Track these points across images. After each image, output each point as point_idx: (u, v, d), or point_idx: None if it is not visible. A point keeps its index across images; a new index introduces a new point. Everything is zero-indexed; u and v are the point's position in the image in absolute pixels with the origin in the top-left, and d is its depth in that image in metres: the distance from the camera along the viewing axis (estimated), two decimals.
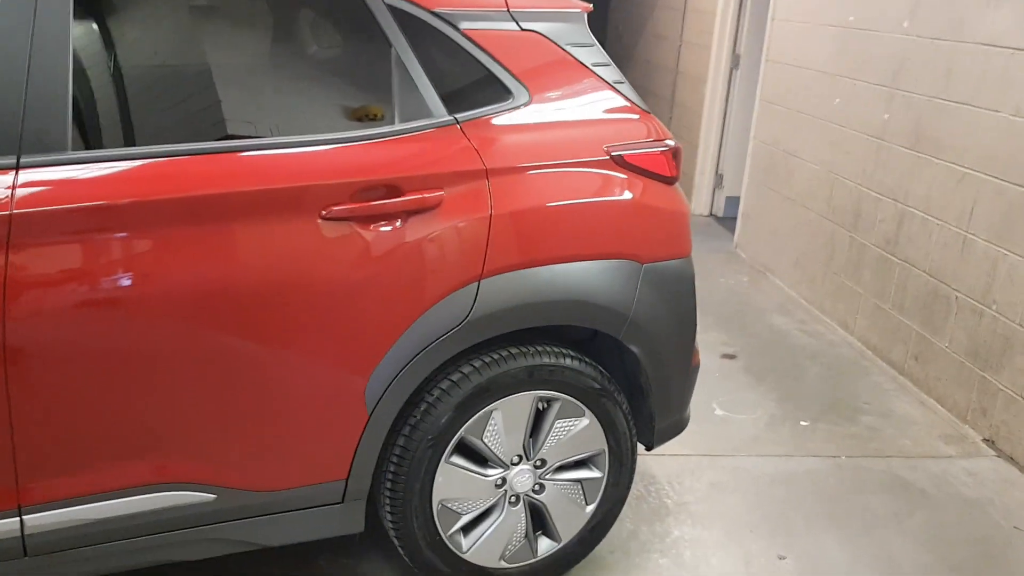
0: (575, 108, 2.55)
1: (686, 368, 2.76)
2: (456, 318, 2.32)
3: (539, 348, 2.49)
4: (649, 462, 3.47)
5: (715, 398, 4.07)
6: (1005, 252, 3.73)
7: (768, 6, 6.03)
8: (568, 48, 2.55)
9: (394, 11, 2.33)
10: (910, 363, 4.38)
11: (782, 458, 3.61)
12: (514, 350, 2.46)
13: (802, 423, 3.91)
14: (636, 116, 2.64)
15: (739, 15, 6.90)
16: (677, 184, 2.72)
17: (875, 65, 4.74)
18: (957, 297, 4.03)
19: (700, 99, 7.30)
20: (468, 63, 2.43)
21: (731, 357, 4.56)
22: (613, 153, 2.53)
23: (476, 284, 2.33)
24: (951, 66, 4.11)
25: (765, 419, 3.92)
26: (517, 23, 2.48)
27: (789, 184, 5.70)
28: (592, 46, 2.60)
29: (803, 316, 5.23)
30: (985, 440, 3.82)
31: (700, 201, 7.42)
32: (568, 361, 2.51)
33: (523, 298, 2.39)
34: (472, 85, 2.45)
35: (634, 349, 2.59)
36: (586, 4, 2.69)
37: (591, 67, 2.58)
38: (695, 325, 2.75)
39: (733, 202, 6.91)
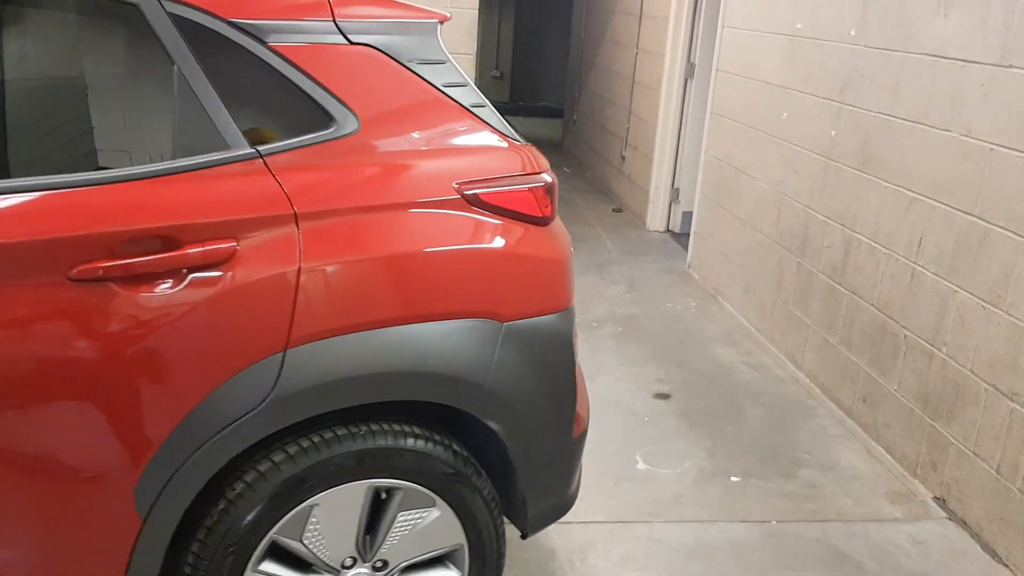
0: (418, 137, 2.13)
1: (564, 443, 2.34)
2: (255, 398, 1.90)
3: (373, 428, 2.06)
4: (551, 532, 3.04)
5: (640, 448, 3.65)
6: (955, 288, 3.32)
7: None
8: (413, 66, 2.13)
9: (179, 22, 1.91)
10: (858, 405, 3.97)
11: (705, 524, 3.18)
12: (341, 431, 2.04)
13: (733, 479, 3.48)
14: (499, 146, 2.22)
15: (693, 22, 6.49)
16: (553, 225, 2.30)
17: (822, 77, 4.33)
18: (906, 336, 3.62)
19: (655, 109, 6.89)
20: (278, 85, 2.00)
21: (664, 397, 4.14)
22: (465, 191, 2.11)
23: (280, 355, 1.91)
24: (900, 79, 3.70)
25: (693, 474, 3.50)
26: (345, 36, 2.06)
27: (739, 203, 5.29)
28: (444, 63, 2.18)
29: (751, 347, 4.81)
30: (936, 499, 3.41)
31: (656, 216, 7.01)
32: (410, 442, 2.09)
33: (343, 371, 1.97)
34: (283, 112, 2.03)
35: (494, 426, 2.17)
36: (442, 13, 2.27)
37: (442, 88, 2.16)
38: (574, 392, 2.33)
39: (690, 217, 6.50)
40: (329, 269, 1.95)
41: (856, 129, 4.03)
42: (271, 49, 1.98)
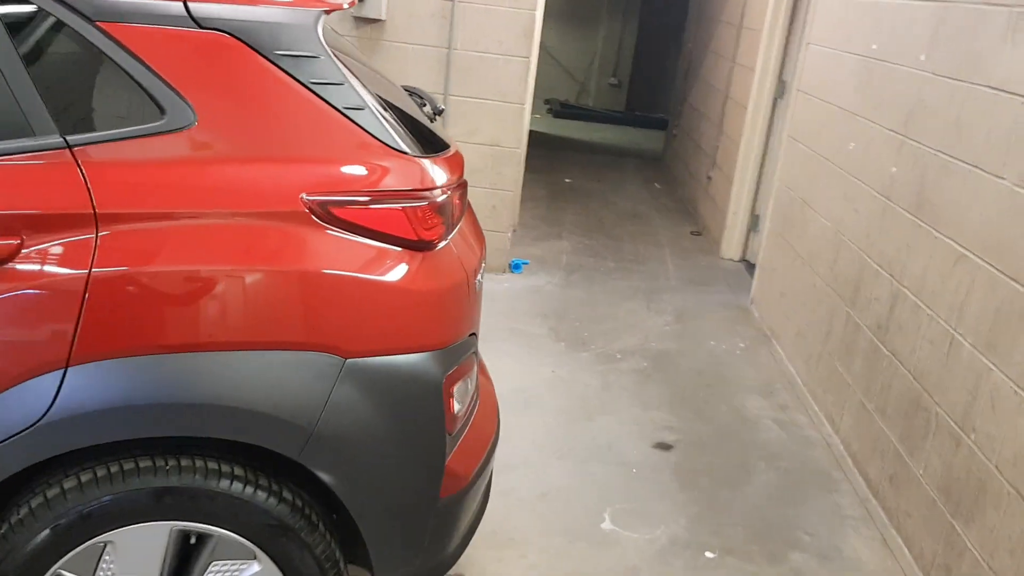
0: (267, 139, 1.86)
1: (425, 504, 2.02)
2: (26, 417, 1.68)
3: (182, 463, 1.81)
4: None
5: (613, 504, 3.27)
6: (990, 366, 2.78)
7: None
8: (276, 58, 1.86)
9: None
10: (884, 485, 3.44)
11: None
12: (144, 462, 1.80)
13: (707, 554, 3.05)
14: (370, 156, 1.92)
15: (787, 36, 5.96)
16: (439, 251, 1.99)
17: (890, 106, 3.79)
18: (937, 413, 3.09)
19: (742, 128, 6.39)
20: (104, 69, 1.77)
21: (665, 448, 3.72)
22: (315, 205, 1.83)
23: (61, 372, 1.68)
24: (961, 114, 3.16)
25: (662, 542, 3.09)
26: (195, 19, 1.81)
27: (802, 238, 4.77)
28: (318, 58, 1.90)
29: (788, 400, 4.31)
30: None
31: (732, 244, 6.50)
32: (224, 484, 1.83)
33: (133, 396, 1.72)
34: (108, 99, 1.81)
35: (325, 477, 1.88)
36: (335, 2, 1.99)
37: (309, 85, 1.88)
38: (441, 445, 2.01)
39: None
40: (126, 280, 1.71)
41: (915, 167, 3.49)
42: (99, 29, 1.75)
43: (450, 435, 2.05)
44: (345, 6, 2.06)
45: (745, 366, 4.67)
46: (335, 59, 1.93)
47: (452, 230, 2.10)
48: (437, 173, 2.03)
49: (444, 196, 2.02)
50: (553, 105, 12.12)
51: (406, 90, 2.77)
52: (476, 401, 2.28)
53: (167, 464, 1.81)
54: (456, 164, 2.21)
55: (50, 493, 1.77)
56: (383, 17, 5.01)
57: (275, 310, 1.81)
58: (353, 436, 1.88)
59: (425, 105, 2.67)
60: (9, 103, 1.71)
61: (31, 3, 1.73)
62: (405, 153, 1.97)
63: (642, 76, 12.71)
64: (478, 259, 2.25)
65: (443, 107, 2.72)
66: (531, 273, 5.62)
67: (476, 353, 2.24)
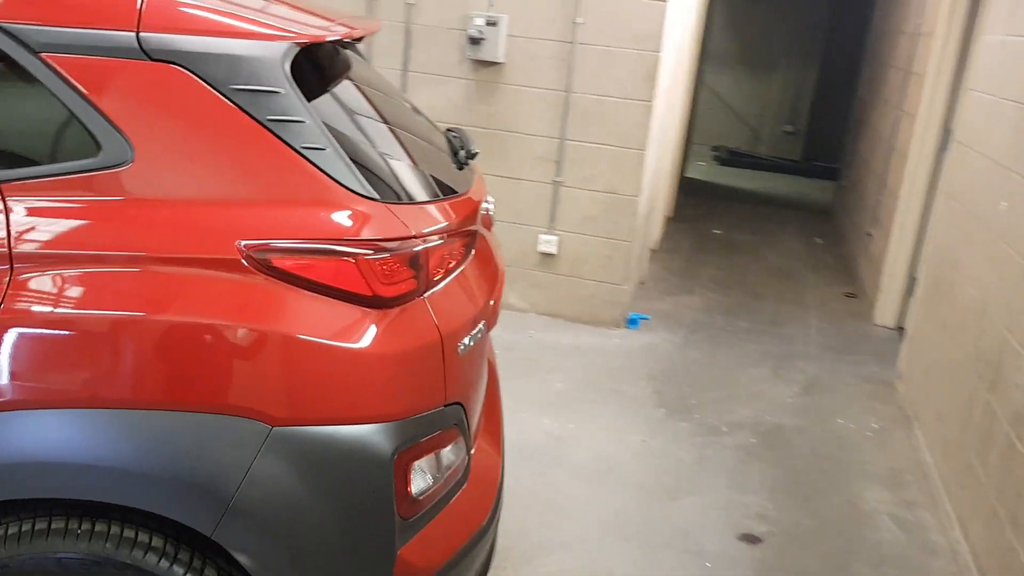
0: (208, 179, 1.71)
1: None
2: None
3: (96, 528, 1.67)
4: None
5: None
6: None
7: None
8: (231, 92, 1.72)
9: None
10: None
11: None
12: (42, 523, 1.66)
13: None
14: (326, 200, 1.73)
15: (955, 80, 5.34)
16: (400, 309, 1.76)
17: None
18: None
19: (902, 181, 5.78)
20: (46, 104, 1.69)
21: (753, 541, 3.28)
22: (252, 253, 1.65)
23: None
24: None
25: None
26: (145, 52, 1.69)
27: (950, 307, 4.18)
28: (279, 92, 1.74)
29: (916, 496, 3.73)
30: None
31: (886, 308, 5.86)
32: (136, 554, 1.66)
33: (25, 452, 1.60)
34: (44, 133, 1.71)
35: (242, 559, 1.68)
36: (316, 32, 1.83)
37: (265, 122, 1.72)
38: (389, 530, 1.77)
39: None
40: (35, 325, 1.59)
41: None
42: (41, 60, 1.67)
43: (404, 519, 1.80)
44: (331, 38, 1.89)
45: (874, 450, 4.11)
46: (298, 95, 1.75)
47: (433, 285, 1.87)
48: (413, 221, 1.81)
49: (420, 247, 1.79)
50: (721, 152, 11.64)
51: (448, 131, 2.58)
52: (459, 481, 2.01)
53: (78, 528, 1.67)
54: (458, 210, 1.99)
55: None
56: (501, 60, 4.88)
57: (192, 367, 1.64)
58: (278, 514, 1.67)
59: (461, 149, 2.46)
60: None
61: None
62: (370, 199, 1.77)
63: (820, 123, 11.99)
64: (473, 316, 2.00)
65: (477, 150, 2.50)
66: (649, 329, 5.26)
67: (461, 426, 1.98)
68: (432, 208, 1.94)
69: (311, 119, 1.75)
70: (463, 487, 2.04)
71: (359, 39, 2.21)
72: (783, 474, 3.78)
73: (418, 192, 1.97)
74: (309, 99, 1.89)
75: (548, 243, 5.11)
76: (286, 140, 1.72)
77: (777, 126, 12.22)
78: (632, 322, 5.25)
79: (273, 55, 1.74)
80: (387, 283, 1.74)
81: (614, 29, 4.76)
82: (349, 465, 1.71)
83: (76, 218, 1.66)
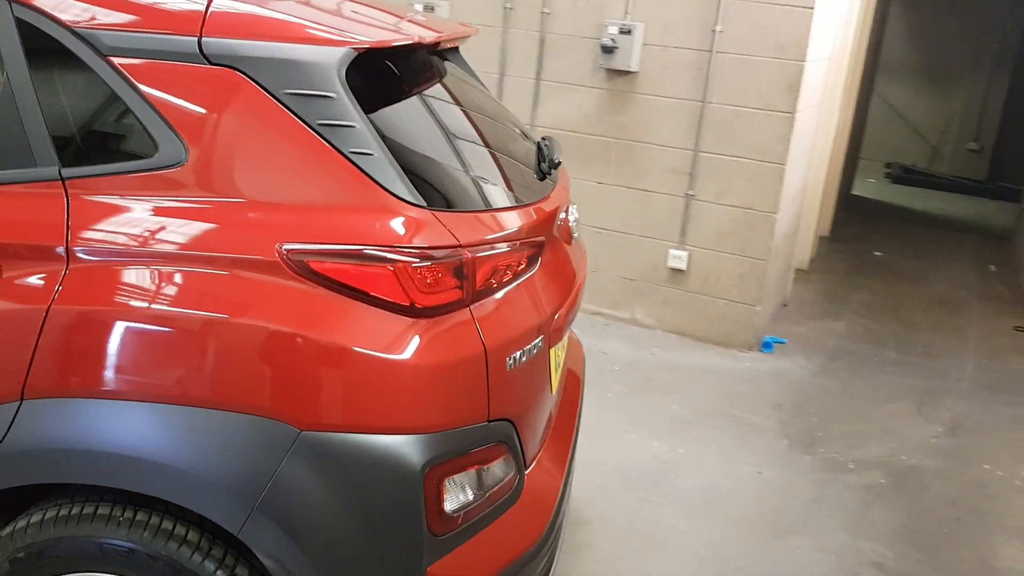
0: (255, 181, 1.72)
1: None
2: None
3: (137, 516, 1.71)
4: None
5: None
6: None
7: None
8: (285, 97, 1.73)
9: (22, 26, 1.76)
10: None
11: None
12: (90, 508, 1.72)
13: None
14: (375, 206, 1.71)
15: None
16: (440, 319, 1.72)
17: None
18: None
19: None
20: (108, 102, 1.75)
21: None
22: (291, 256, 1.65)
23: (16, 405, 1.66)
24: None
25: None
26: (206, 56, 1.73)
27: None
28: (331, 97, 1.73)
29: None
30: None
31: None
32: (171, 546, 1.69)
33: (70, 439, 1.65)
34: (111, 133, 1.78)
35: (267, 562, 1.68)
36: (381, 37, 1.82)
37: (316, 126, 1.72)
38: (416, 544, 1.72)
39: None
40: (84, 317, 1.65)
41: None
42: (108, 63, 1.73)
43: (435, 536, 1.74)
44: (398, 43, 1.87)
45: (1020, 502, 3.71)
46: (351, 100, 1.73)
47: (483, 296, 1.81)
48: (463, 230, 1.76)
49: (468, 257, 1.74)
50: (894, 169, 10.95)
51: (542, 139, 2.53)
52: (507, 501, 1.94)
53: (122, 515, 1.71)
54: (524, 221, 1.93)
55: (19, 524, 1.76)
56: (635, 69, 4.76)
57: (226, 366, 1.65)
58: (303, 519, 1.65)
59: (545, 159, 2.39)
60: (18, 133, 1.74)
61: (48, 34, 1.74)
62: (417, 206, 1.73)
63: (1010, 141, 11.07)
64: (531, 329, 1.93)
65: (559, 160, 2.43)
66: (784, 354, 4.98)
67: (510, 443, 1.91)
68: (490, 217, 1.88)
69: (362, 124, 1.73)
70: (512, 507, 1.96)
71: (437, 44, 2.18)
72: (910, 520, 3.46)
73: (476, 201, 1.91)
74: (376, 104, 1.89)
75: (678, 258, 4.93)
76: (335, 144, 1.71)
77: (960, 142, 11.38)
78: (766, 345, 4.99)
79: (328, 60, 1.73)
80: (427, 292, 1.70)
81: (755, 37, 4.55)
82: (377, 475, 1.67)
83: (126, 216, 1.71)
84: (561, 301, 2.15)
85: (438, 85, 2.25)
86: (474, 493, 1.83)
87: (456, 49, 2.70)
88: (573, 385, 2.64)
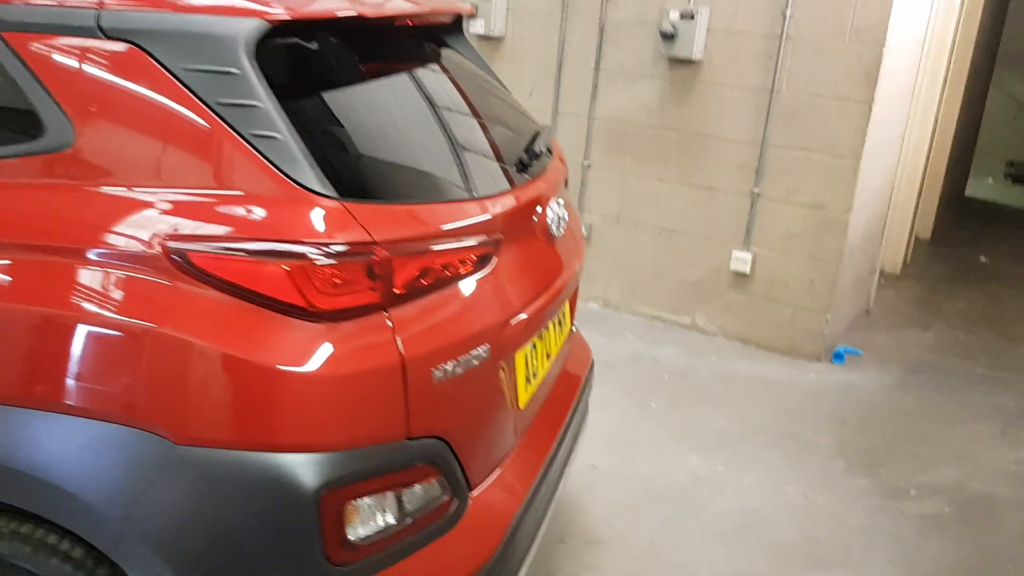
0: (145, 166, 1.58)
1: None
2: None
3: (22, 530, 1.60)
4: None
5: None
6: None
7: None
8: (183, 73, 1.58)
9: None
10: None
11: None
12: None
13: None
14: (275, 195, 1.55)
15: None
16: (356, 322, 1.55)
17: None
18: None
19: None
20: (4, 83, 1.64)
21: None
22: (174, 250, 1.51)
23: None
24: None
25: None
26: (103, 30, 1.60)
27: None
28: (233, 74, 1.57)
29: None
30: None
31: None
32: (53, 563, 1.57)
33: None
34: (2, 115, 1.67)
35: None
36: (276, 11, 1.65)
37: (214, 106, 1.57)
38: (312, 574, 1.54)
39: None
40: None
41: None
42: (2, 39, 1.63)
43: (336, 566, 1.56)
44: (305, 16, 1.69)
45: None
46: (258, 76, 1.57)
47: (406, 299, 1.62)
48: (381, 224, 1.57)
49: (382, 255, 1.55)
50: (1016, 169, 10.12)
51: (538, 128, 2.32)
52: (440, 527, 1.74)
53: (6, 528, 1.60)
54: (471, 215, 1.74)
55: None
56: (697, 57, 4.46)
57: (96, 371, 1.51)
58: (180, 544, 1.51)
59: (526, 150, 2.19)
60: None
61: None
62: (325, 196, 1.55)
63: None
64: (471, 336, 1.73)
65: (541, 150, 2.21)
66: (856, 366, 4.58)
67: (442, 463, 1.71)
68: (424, 211, 1.69)
69: (268, 104, 1.56)
70: (448, 532, 1.76)
71: (416, 23, 2.00)
72: (972, 556, 3.07)
73: (410, 194, 1.73)
74: (312, 84, 1.73)
75: (742, 261, 4.60)
76: (234, 126, 1.56)
77: None
78: (837, 356, 4.60)
79: (232, 33, 1.58)
80: (330, 294, 1.52)
81: (829, 21, 4.18)
82: (265, 498, 1.51)
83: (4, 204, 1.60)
84: (527, 303, 1.94)
85: (417, 66, 2.08)
86: (393, 518, 1.64)
87: (457, 29, 2.52)
88: (566, 391, 2.42)
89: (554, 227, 2.15)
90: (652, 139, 4.72)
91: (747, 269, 4.59)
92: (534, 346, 2.13)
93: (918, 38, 4.77)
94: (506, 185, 1.97)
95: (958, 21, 5.41)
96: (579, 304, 5.04)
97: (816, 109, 4.29)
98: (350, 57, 1.90)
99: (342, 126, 1.74)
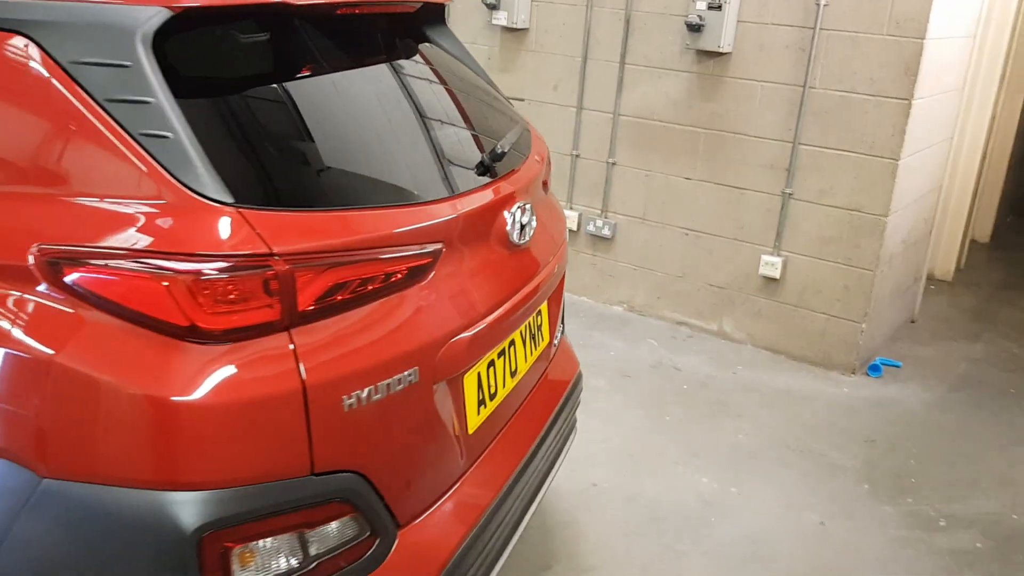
0: (23, 168, 1.45)
1: None
2: None
3: None
4: None
5: None
6: None
7: None
8: (72, 66, 1.44)
9: None
10: None
11: None
12: None
13: None
14: (163, 202, 1.40)
15: None
16: (248, 343, 1.39)
17: None
18: None
19: None
20: None
21: None
22: (44, 261, 1.37)
23: None
24: None
25: None
26: None
27: None
28: (124, 67, 1.43)
29: None
30: None
31: None
32: None
33: None
34: None
35: None
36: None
37: (102, 102, 1.42)
38: None
39: None
40: None
41: None
42: None
43: None
44: (215, 2, 1.54)
45: None
46: (152, 70, 1.42)
47: (317, 317, 1.46)
48: (283, 235, 1.41)
49: (282, 268, 1.39)
50: None
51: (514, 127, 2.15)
52: (356, 569, 1.57)
53: None
54: (401, 223, 1.57)
55: None
56: (726, 49, 4.21)
57: None
58: None
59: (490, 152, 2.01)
60: None
61: None
62: (216, 202, 1.40)
63: None
64: (392, 360, 1.56)
65: (503, 151, 2.02)
66: (895, 380, 4.29)
67: (358, 500, 1.54)
68: (336, 219, 1.52)
69: (163, 100, 1.41)
70: (371, 573, 1.59)
71: (330, 9, 1.83)
72: None
73: (325, 200, 1.56)
74: (232, 81, 1.58)
75: (771, 265, 4.34)
76: (122, 123, 1.41)
77: None
78: (874, 368, 4.32)
79: (126, 22, 1.44)
80: (217, 312, 1.36)
81: (866, 11, 3.89)
82: (137, 539, 1.36)
83: None
84: (477, 318, 1.76)
85: (368, 61, 1.92)
86: (296, 562, 1.48)
87: (439, 21, 2.36)
88: (541, 408, 2.24)
89: (514, 234, 1.97)
90: (679, 136, 4.49)
91: (777, 274, 4.33)
92: (491, 364, 1.95)
93: (968, 30, 4.44)
94: (450, 190, 1.79)
95: (1017, 13, 5.04)
96: (602, 307, 4.85)
97: (852, 105, 4.01)
98: (274, 49, 1.74)
99: (251, 126, 1.59)
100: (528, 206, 2.04)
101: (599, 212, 4.82)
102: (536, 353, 2.25)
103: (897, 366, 4.41)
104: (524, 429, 2.16)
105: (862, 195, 4.07)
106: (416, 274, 1.64)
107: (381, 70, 1.96)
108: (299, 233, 1.44)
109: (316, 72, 1.80)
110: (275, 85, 1.69)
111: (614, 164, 4.72)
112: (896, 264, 4.39)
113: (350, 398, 1.49)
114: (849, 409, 3.97)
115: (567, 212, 4.89)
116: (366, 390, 1.51)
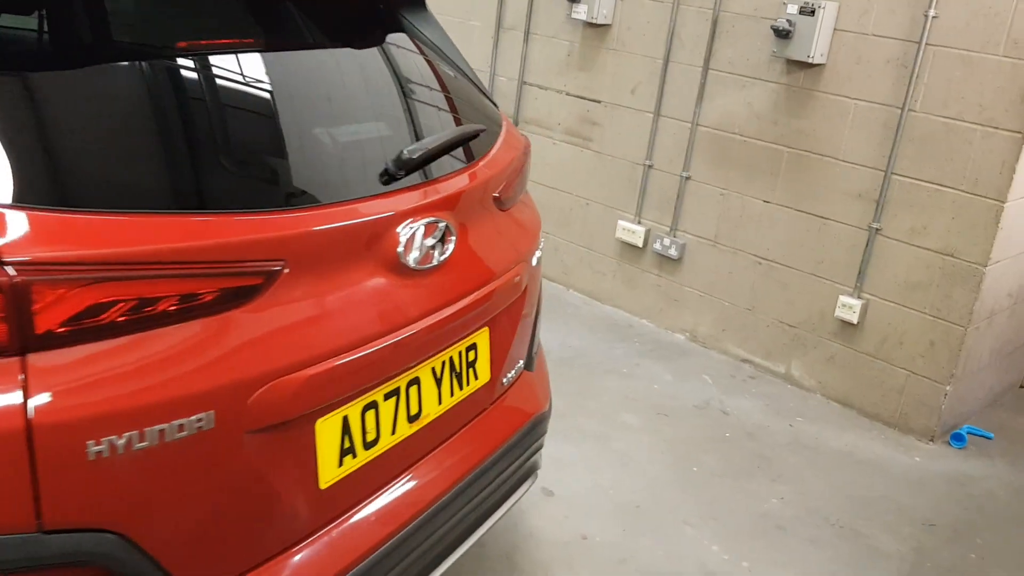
0: None
1: None
2: None
3: None
4: None
5: None
6: None
7: None
8: None
9: None
10: None
11: None
12: None
13: None
14: None
15: None
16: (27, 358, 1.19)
17: None
18: None
19: None
20: None
21: None
22: None
23: None
24: None
25: None
26: None
27: None
28: None
29: None
30: None
31: None
32: None
33: None
34: None
35: None
36: None
37: None
38: None
39: None
40: None
41: None
42: None
43: None
44: None
45: None
46: None
47: (65, 343, 1.24)
48: (25, 241, 1.19)
49: (14, 279, 1.18)
50: None
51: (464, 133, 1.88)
52: None
53: None
54: (207, 235, 1.33)
55: None
56: (819, 60, 3.73)
57: None
58: None
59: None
60: None
61: None
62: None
63: None
64: (173, 401, 1.32)
65: (416, 157, 1.74)
66: (980, 453, 3.71)
67: (109, 564, 1.31)
68: (126, 223, 1.29)
69: None
70: None
71: None
72: None
73: (116, 199, 1.33)
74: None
75: (849, 308, 3.84)
76: None
77: None
78: (958, 438, 3.75)
79: None
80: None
81: (980, 27, 3.35)
82: None
83: None
84: (326, 354, 1.50)
85: (262, 45, 1.69)
86: None
87: (419, 4, 2.12)
88: (462, 457, 1.95)
89: (410, 256, 1.67)
90: (760, 153, 4.04)
91: (855, 318, 3.83)
92: (372, 407, 1.68)
93: None
94: (317, 199, 1.53)
95: None
96: (662, 333, 4.44)
97: (955, 134, 3.47)
98: (91, 26, 1.52)
99: (24, 115, 1.35)
100: (444, 224, 1.75)
101: (668, 230, 4.43)
102: (463, 394, 1.96)
103: (988, 437, 3.82)
104: (429, 483, 1.87)
105: (959, 238, 3.53)
106: (233, 297, 1.39)
107: (269, 57, 1.70)
108: (47, 238, 1.22)
109: (178, 54, 1.56)
110: (72, 70, 1.45)
111: (688, 178, 4.32)
112: (999, 321, 3.80)
113: (98, 444, 1.25)
114: (915, 483, 3.45)
115: (634, 226, 4.51)
116: (125, 436, 1.27)
